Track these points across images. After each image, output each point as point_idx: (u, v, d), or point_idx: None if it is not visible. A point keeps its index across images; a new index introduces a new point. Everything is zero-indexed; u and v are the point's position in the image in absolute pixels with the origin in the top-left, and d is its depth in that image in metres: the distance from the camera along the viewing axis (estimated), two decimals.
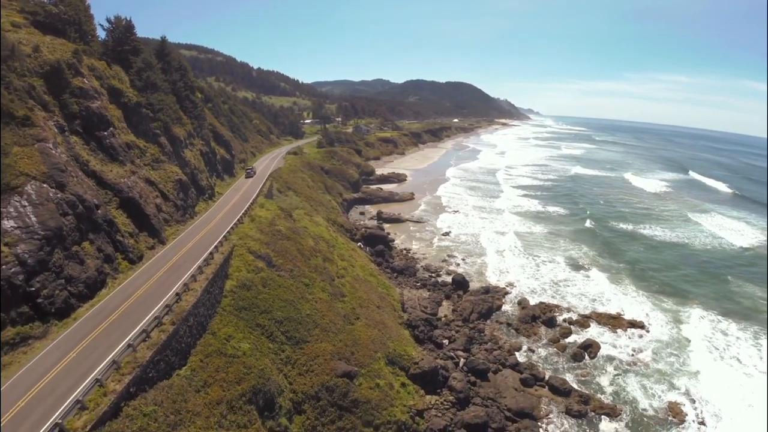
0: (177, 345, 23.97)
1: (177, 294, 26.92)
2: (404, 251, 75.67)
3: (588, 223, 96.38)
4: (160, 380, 22.12)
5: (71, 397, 19.18)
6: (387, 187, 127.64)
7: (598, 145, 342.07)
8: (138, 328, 23.61)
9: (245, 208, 48.87)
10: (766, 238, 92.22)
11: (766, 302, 61.29)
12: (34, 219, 29.48)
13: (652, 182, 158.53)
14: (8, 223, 28.31)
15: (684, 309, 58.13)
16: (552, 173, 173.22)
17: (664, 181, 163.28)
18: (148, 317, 24.81)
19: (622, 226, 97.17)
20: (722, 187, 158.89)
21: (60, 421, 18.07)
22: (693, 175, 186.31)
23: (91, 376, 20.03)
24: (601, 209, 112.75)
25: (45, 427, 17.97)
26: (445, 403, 36.53)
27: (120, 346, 22.05)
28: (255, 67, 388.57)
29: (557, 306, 57.77)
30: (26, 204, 30.01)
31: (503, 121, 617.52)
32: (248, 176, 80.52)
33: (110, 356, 21.17)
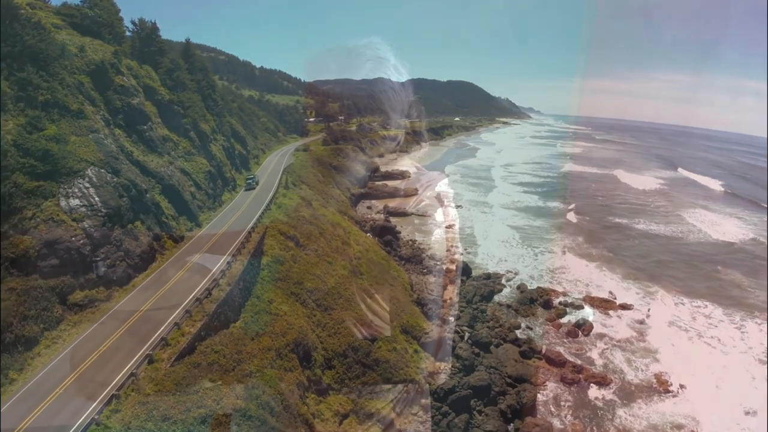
0: (232, 302, 28.48)
1: (228, 262, 31.42)
2: (410, 242, 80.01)
3: (583, 217, 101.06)
4: (220, 329, 26.61)
5: (155, 335, 23.63)
6: (391, 183, 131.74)
7: (597, 144, 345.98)
8: (200, 286, 28.18)
9: (270, 197, 53.52)
10: (754, 234, 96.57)
11: (752, 289, 65.56)
12: (97, 199, 33.86)
13: (646, 179, 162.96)
14: (74, 202, 32.90)
15: (671, 294, 62.39)
16: (549, 170, 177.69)
17: (659, 179, 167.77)
18: (206, 279, 29.33)
19: (617, 220, 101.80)
20: (715, 185, 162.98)
21: (150, 352, 22.53)
22: (687, 173, 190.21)
23: (170, 320, 24.49)
24: (596, 205, 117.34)
25: (137, 356, 22.46)
26: (452, 368, 41.03)
27: (188, 299, 26.54)
28: (257, 66, 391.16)
29: (553, 290, 62.12)
30: (89, 186, 34.38)
31: (504, 119, 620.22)
32: (249, 188, 60.92)
33: (183, 305, 25.65)
